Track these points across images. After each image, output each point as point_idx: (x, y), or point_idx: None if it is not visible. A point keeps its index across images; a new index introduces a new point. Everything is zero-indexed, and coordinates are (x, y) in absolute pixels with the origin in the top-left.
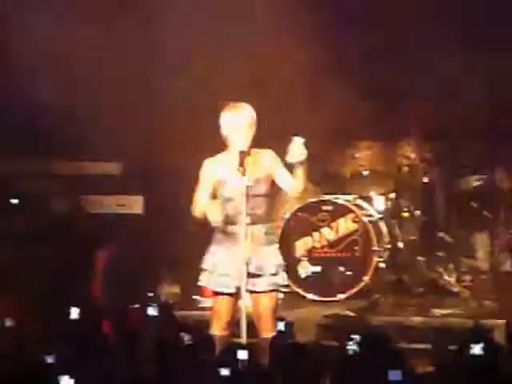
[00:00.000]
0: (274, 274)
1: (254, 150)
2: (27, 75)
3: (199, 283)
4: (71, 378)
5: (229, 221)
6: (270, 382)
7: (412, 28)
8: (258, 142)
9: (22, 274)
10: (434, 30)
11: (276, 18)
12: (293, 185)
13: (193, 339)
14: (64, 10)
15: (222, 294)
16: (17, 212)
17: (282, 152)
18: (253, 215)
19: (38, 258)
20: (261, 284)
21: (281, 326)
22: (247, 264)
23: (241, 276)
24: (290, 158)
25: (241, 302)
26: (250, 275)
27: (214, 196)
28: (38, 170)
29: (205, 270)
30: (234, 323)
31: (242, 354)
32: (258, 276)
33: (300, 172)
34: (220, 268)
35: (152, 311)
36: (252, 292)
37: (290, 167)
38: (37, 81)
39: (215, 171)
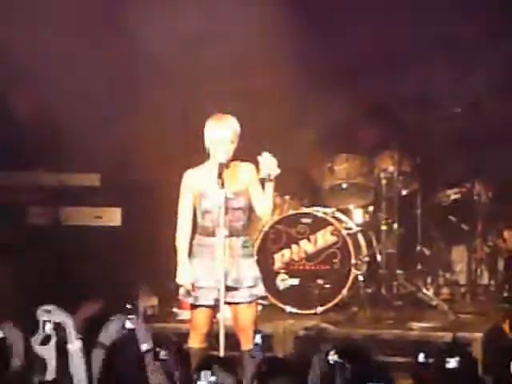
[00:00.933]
0: (252, 286)
1: (234, 163)
2: (7, 86)
3: (179, 297)
4: None
5: (207, 233)
6: None
7: (391, 40)
8: (238, 154)
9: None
10: (417, 43)
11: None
12: (263, 205)
13: (168, 354)
14: (43, 21)
15: (200, 306)
16: None
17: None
18: (231, 228)
19: (13, 269)
20: (239, 296)
21: (257, 338)
22: (225, 276)
23: (218, 288)
24: (261, 174)
25: (219, 315)
26: (228, 288)
27: (195, 207)
28: (15, 180)
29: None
30: (212, 336)
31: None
32: (236, 289)
33: (269, 189)
34: (199, 281)
35: (129, 324)
36: (231, 303)
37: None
38: (14, 91)
39: (195, 182)
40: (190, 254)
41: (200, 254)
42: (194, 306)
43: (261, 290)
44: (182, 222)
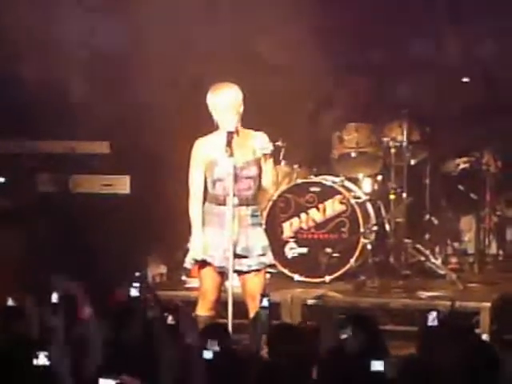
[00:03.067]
0: (262, 255)
1: (245, 131)
2: (15, 56)
3: (185, 265)
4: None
5: (217, 201)
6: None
7: (399, 9)
8: (248, 123)
9: (7, 253)
10: (422, 12)
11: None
12: (267, 178)
13: (175, 319)
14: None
15: (209, 275)
16: (3, 190)
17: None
18: (241, 197)
19: (22, 237)
20: (248, 264)
21: (264, 302)
22: (234, 245)
23: (227, 257)
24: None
25: (227, 283)
26: (237, 256)
27: (206, 176)
28: (24, 148)
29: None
30: (219, 304)
31: (208, 354)
32: (245, 257)
33: (268, 165)
34: (208, 249)
35: (135, 292)
36: (239, 272)
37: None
38: (25, 60)
39: (206, 151)
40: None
41: (210, 223)
42: (202, 273)
43: (269, 258)
44: (194, 192)
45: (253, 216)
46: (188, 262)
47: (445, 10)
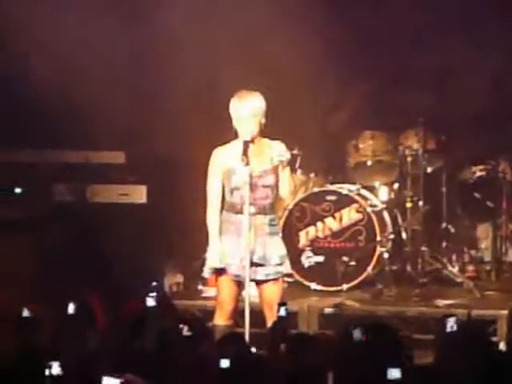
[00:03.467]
0: (279, 264)
1: (263, 140)
2: (31, 64)
3: (203, 274)
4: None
5: (235, 210)
6: (271, 371)
7: (413, 16)
8: (264, 132)
9: (23, 263)
10: (442, 20)
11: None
12: (284, 187)
13: (191, 330)
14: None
15: (226, 284)
16: (20, 200)
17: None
18: (258, 205)
19: (39, 246)
20: (265, 273)
21: (282, 311)
22: (251, 254)
23: (244, 265)
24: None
25: (245, 292)
26: (254, 265)
27: (224, 185)
28: (41, 158)
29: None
30: (237, 313)
31: (225, 363)
32: (262, 266)
33: (285, 173)
34: (224, 257)
35: (151, 301)
36: (257, 281)
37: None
38: (41, 69)
39: (224, 160)
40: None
41: (227, 231)
42: (219, 283)
43: (287, 267)
44: (212, 200)
45: (270, 225)
46: (206, 272)
47: (458, 17)
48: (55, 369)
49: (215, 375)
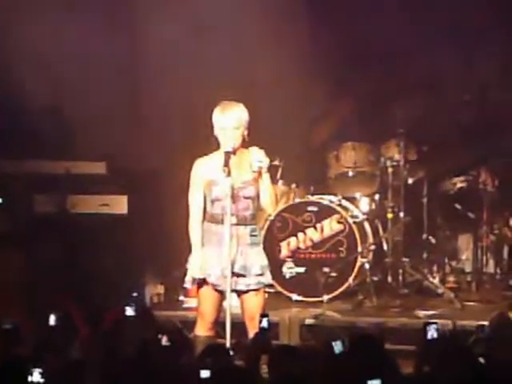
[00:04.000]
0: (260, 275)
1: (242, 150)
2: (12, 75)
3: (185, 285)
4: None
5: (216, 220)
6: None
7: (398, 29)
8: (246, 143)
9: (3, 274)
10: (422, 32)
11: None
12: (265, 196)
13: (170, 341)
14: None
15: (208, 295)
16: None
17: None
18: (240, 216)
19: (19, 257)
20: (246, 283)
21: (264, 322)
22: (232, 264)
23: (225, 275)
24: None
25: (225, 303)
26: (235, 275)
27: (205, 195)
28: (22, 169)
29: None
30: (218, 324)
31: (205, 374)
32: (243, 276)
33: (265, 180)
34: (206, 269)
35: (130, 311)
36: (238, 292)
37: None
38: (23, 81)
39: (205, 171)
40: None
41: (209, 242)
42: (201, 293)
43: (268, 278)
44: (193, 211)
45: (252, 235)
46: (188, 282)
47: (444, 29)
48: (36, 376)
49: None
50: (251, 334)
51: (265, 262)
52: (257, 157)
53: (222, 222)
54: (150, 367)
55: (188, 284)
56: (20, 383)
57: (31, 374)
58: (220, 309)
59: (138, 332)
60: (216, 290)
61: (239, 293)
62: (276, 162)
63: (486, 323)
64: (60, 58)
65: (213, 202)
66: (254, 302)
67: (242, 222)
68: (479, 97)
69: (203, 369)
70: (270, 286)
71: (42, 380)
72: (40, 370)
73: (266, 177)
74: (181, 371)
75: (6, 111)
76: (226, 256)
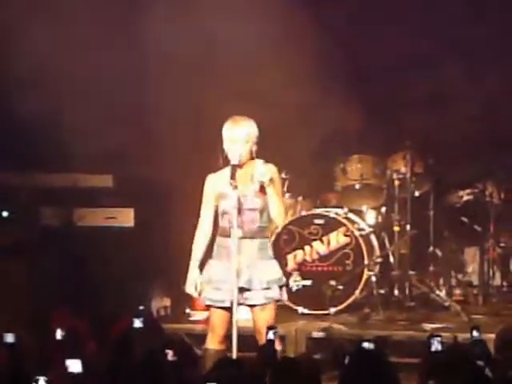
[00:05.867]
0: (266, 289)
1: (252, 163)
2: (17, 88)
3: (195, 295)
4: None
5: (224, 234)
6: None
7: (405, 41)
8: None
9: (10, 287)
10: (427, 44)
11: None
12: (273, 208)
13: (176, 355)
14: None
15: (218, 309)
16: (6, 224)
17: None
18: (245, 229)
19: (26, 270)
20: (254, 297)
21: (270, 334)
22: (238, 277)
23: (232, 290)
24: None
25: (233, 317)
26: (242, 289)
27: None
28: (28, 181)
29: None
30: (229, 337)
31: None
32: (249, 290)
33: (270, 193)
34: (213, 281)
35: (138, 323)
36: (247, 305)
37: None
38: (29, 94)
39: (215, 186)
40: (211, 254)
41: (219, 255)
42: (209, 307)
43: (275, 292)
44: (200, 224)
45: (260, 249)
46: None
47: (452, 42)
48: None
49: None
50: None
51: (274, 276)
52: (259, 170)
53: (229, 235)
54: (156, 380)
55: (196, 295)
56: None
57: (36, 382)
58: (230, 322)
59: (145, 344)
60: (224, 305)
61: (249, 306)
62: (283, 175)
63: (492, 336)
64: (63, 73)
65: (222, 215)
66: (262, 316)
67: (248, 235)
68: (486, 110)
69: (210, 381)
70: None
71: None
72: (45, 378)
73: (270, 190)
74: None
75: (12, 125)
76: (232, 270)
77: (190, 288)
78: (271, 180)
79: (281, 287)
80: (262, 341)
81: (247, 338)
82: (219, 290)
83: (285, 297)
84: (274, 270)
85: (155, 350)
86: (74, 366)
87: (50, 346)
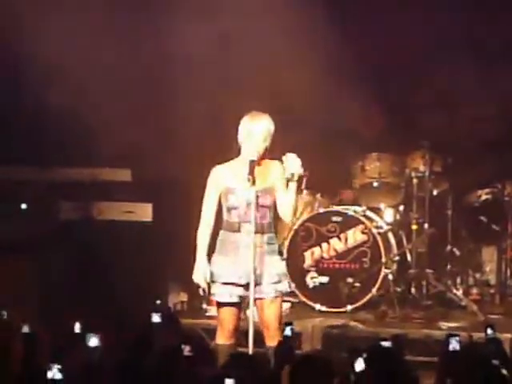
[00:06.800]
0: (277, 282)
1: (263, 160)
2: (37, 82)
3: (200, 292)
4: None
5: (232, 229)
6: None
7: (424, 40)
8: (270, 152)
9: (29, 282)
10: (446, 43)
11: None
12: (285, 205)
13: (192, 350)
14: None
15: (226, 304)
16: (25, 218)
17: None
18: (257, 225)
19: (45, 264)
20: (264, 291)
21: (287, 330)
22: (249, 272)
23: (243, 285)
24: (285, 174)
25: (249, 311)
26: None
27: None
28: (48, 175)
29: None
30: (238, 332)
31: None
32: (260, 284)
33: (292, 189)
34: (223, 277)
35: (156, 318)
36: (256, 299)
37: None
38: (47, 87)
39: (222, 178)
40: (215, 249)
41: (225, 250)
42: (219, 304)
43: (285, 286)
44: (204, 218)
45: (269, 243)
46: (200, 290)
47: (469, 43)
48: (55, 373)
49: None
50: (268, 342)
51: (282, 270)
52: (292, 163)
53: (238, 230)
54: (170, 375)
55: (201, 292)
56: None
57: (50, 369)
58: (239, 317)
59: (163, 339)
60: (234, 300)
61: (256, 300)
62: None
63: (509, 336)
64: (85, 67)
65: (229, 209)
66: (271, 310)
67: (258, 230)
68: (505, 109)
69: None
70: (291, 294)
71: (60, 376)
72: (59, 367)
73: (292, 186)
74: (204, 380)
75: (32, 119)
76: (248, 265)
77: (199, 277)
78: (297, 176)
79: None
80: (269, 336)
81: (257, 334)
82: (226, 285)
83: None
84: (281, 264)
85: (173, 346)
86: (93, 340)
87: (67, 339)
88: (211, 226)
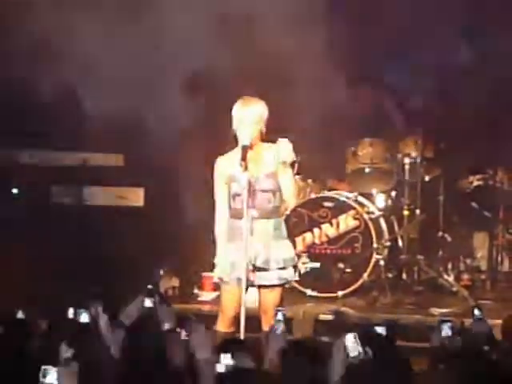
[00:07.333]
0: (282, 268)
1: (261, 145)
2: (28, 65)
3: (215, 279)
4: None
5: (238, 215)
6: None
7: (417, 27)
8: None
9: (20, 267)
10: (438, 30)
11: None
12: (287, 189)
13: (188, 334)
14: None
15: (229, 291)
16: (16, 202)
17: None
18: (261, 210)
19: (35, 248)
20: (269, 278)
21: (279, 315)
22: (254, 258)
23: (249, 270)
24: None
25: (242, 296)
26: (257, 269)
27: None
28: (39, 160)
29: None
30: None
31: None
32: (265, 270)
33: (288, 174)
34: (230, 263)
35: (149, 303)
36: (260, 286)
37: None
38: (37, 70)
39: (226, 167)
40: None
41: (233, 237)
42: (223, 289)
43: (290, 273)
44: (218, 208)
45: (275, 229)
46: (217, 276)
47: (461, 29)
48: (51, 379)
49: (211, 379)
50: (265, 327)
51: (289, 255)
52: (285, 149)
53: (242, 216)
54: (165, 359)
55: (218, 279)
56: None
57: (44, 376)
58: (240, 304)
59: (155, 323)
60: (239, 286)
61: (261, 286)
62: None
63: (499, 322)
64: (78, 51)
65: (233, 197)
66: (272, 296)
67: (263, 215)
68: (498, 96)
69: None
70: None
71: (56, 382)
72: (55, 369)
73: (290, 170)
74: (197, 364)
75: (24, 104)
76: (244, 251)
77: (222, 273)
78: (293, 160)
79: (294, 267)
80: (266, 321)
81: (254, 320)
82: (234, 269)
83: (297, 277)
84: (289, 249)
85: (167, 330)
86: (83, 316)
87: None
88: (225, 215)
